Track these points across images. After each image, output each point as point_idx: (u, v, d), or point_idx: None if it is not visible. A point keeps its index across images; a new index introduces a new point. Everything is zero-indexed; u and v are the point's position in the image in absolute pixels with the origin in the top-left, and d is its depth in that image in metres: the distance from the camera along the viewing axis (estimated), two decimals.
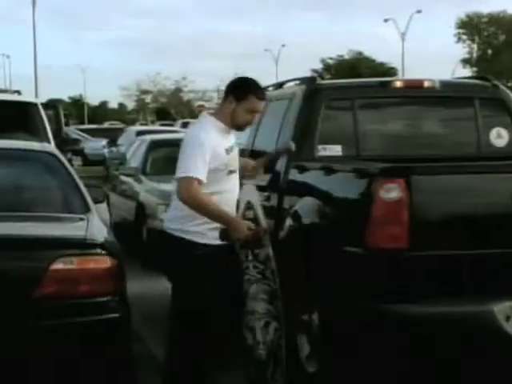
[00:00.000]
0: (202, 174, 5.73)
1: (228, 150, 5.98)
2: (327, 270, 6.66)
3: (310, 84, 8.19)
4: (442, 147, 8.14)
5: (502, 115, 8.24)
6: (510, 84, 76.95)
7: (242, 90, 6.00)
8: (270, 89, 9.39)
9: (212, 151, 5.81)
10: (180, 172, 5.79)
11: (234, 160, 6.11)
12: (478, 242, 6.28)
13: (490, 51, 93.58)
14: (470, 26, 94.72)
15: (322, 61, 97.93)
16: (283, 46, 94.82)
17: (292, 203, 7.45)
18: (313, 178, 7.36)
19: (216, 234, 5.88)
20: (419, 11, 78.47)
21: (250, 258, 6.46)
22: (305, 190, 7.38)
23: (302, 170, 7.54)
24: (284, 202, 7.63)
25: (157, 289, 11.35)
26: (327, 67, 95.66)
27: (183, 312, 6.08)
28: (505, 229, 6.34)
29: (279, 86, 9.17)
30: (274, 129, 8.29)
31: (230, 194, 6.08)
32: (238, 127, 6.10)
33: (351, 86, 8.99)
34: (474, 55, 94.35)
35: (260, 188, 8.08)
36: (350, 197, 6.71)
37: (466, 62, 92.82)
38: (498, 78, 9.63)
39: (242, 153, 8.96)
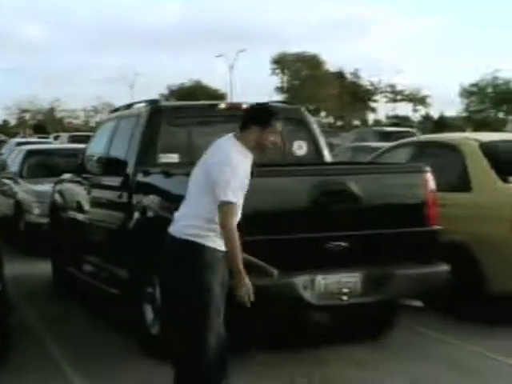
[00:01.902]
0: (240, 198, 4.94)
1: (247, 175, 5.09)
2: None
3: (153, 105, 8.08)
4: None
5: (301, 131, 8.34)
6: (311, 107, 78.52)
7: (267, 118, 5.12)
8: (122, 108, 9.27)
9: (242, 175, 4.98)
10: (224, 197, 4.86)
11: (247, 184, 5.14)
12: (287, 228, 6.34)
13: (296, 82, 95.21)
14: (281, 63, 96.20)
15: (168, 87, 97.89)
16: (137, 75, 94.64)
17: (139, 200, 7.37)
18: (155, 179, 7.28)
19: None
20: (243, 50, 79.42)
21: None
22: (149, 189, 7.30)
23: (147, 173, 7.44)
24: (133, 199, 7.52)
25: (32, 270, 11.13)
26: (172, 93, 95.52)
27: (205, 310, 4.97)
28: (306, 218, 6.42)
29: (129, 106, 9.02)
30: (124, 141, 8.15)
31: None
32: (264, 150, 5.17)
33: (186, 107, 8.97)
34: (285, 85, 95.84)
35: (114, 188, 8.01)
36: (185, 194, 6.64)
37: (278, 90, 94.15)
38: (302, 103, 9.77)
39: (99, 160, 8.87)
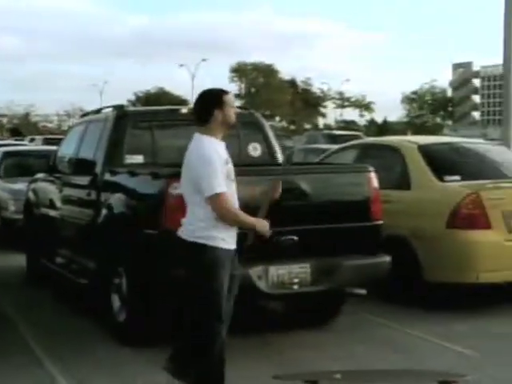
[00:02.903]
0: (224, 186, 4.85)
1: (227, 161, 4.99)
2: (132, 246, 6.55)
3: (119, 110, 8.01)
4: None
5: (256, 134, 8.31)
6: (266, 113, 78.67)
7: (219, 98, 5.06)
8: (91, 113, 9.18)
9: (219, 164, 4.88)
10: (208, 192, 4.81)
11: (232, 170, 5.06)
12: None
13: (253, 89, 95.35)
14: (239, 72, 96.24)
15: (135, 94, 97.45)
16: (106, 82, 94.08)
17: (107, 198, 7.29)
18: (122, 179, 7.22)
19: (232, 239, 5.02)
20: (204, 59, 79.33)
21: None
22: (116, 188, 7.23)
23: (114, 173, 7.37)
24: (101, 197, 7.45)
25: (8, 263, 11.00)
26: (138, 99, 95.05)
27: (208, 308, 4.95)
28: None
29: (98, 111, 8.93)
30: (93, 143, 8.06)
31: (233, 199, 5.03)
32: (230, 126, 5.13)
33: (150, 112, 8.91)
34: (243, 92, 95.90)
35: (83, 186, 7.92)
36: (149, 192, 6.63)
37: (236, 96, 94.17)
38: (258, 109, 9.74)
39: (70, 160, 8.76)
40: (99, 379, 5.85)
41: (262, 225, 5.02)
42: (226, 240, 4.98)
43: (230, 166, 5.03)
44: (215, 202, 4.84)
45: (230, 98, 5.14)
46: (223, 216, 4.88)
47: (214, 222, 4.91)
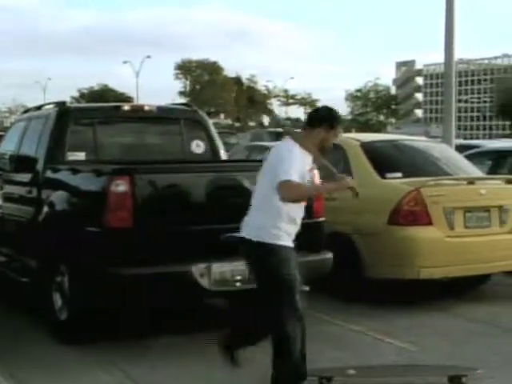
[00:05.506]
0: (294, 176, 4.78)
1: (310, 170, 5.00)
2: (74, 244, 6.50)
3: (61, 106, 7.94)
4: (158, 154, 8.12)
5: (200, 131, 8.34)
6: (211, 110, 78.67)
7: (335, 120, 5.08)
8: (33, 109, 9.07)
9: (299, 166, 4.86)
10: (277, 180, 4.77)
11: (314, 179, 5.13)
12: (185, 221, 6.31)
13: (198, 86, 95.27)
14: (184, 69, 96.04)
15: (79, 90, 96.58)
16: (49, 79, 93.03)
17: (48, 195, 7.22)
18: (64, 176, 7.16)
19: (290, 237, 5.04)
20: (149, 56, 78.85)
21: None
22: (58, 185, 7.17)
23: (56, 170, 7.32)
24: (42, 194, 7.37)
25: None
26: (82, 95, 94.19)
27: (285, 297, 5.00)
28: (202, 212, 6.41)
29: (39, 107, 8.83)
30: (34, 140, 7.99)
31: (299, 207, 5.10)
32: (324, 150, 5.12)
33: (92, 109, 8.85)
34: (187, 89, 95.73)
35: (24, 184, 7.82)
36: (91, 190, 6.59)
37: (181, 93, 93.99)
38: (203, 106, 9.78)
39: (11, 157, 8.63)
40: (40, 379, 5.78)
41: (341, 186, 5.10)
42: (288, 240, 5.01)
43: (313, 175, 5.07)
44: (282, 186, 4.78)
45: (339, 128, 5.15)
46: (286, 199, 4.85)
47: (278, 221, 4.95)
